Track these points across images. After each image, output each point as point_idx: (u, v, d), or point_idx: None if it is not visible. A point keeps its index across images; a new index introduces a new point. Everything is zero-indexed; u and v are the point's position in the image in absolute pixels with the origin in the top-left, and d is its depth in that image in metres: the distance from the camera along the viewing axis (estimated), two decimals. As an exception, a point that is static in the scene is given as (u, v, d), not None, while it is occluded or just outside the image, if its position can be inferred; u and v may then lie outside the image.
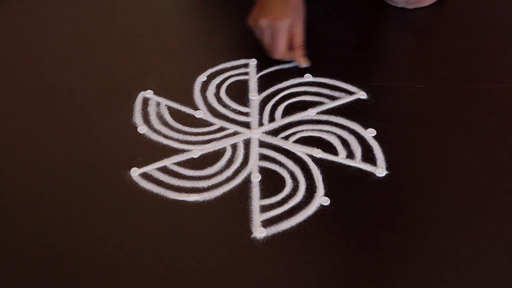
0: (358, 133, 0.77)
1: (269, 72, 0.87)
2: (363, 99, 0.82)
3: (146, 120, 0.81)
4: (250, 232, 0.67)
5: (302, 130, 0.78)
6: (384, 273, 0.63)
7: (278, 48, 0.85)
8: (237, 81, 0.86)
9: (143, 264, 0.64)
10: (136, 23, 0.99)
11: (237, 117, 0.81)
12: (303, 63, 0.86)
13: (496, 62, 0.88)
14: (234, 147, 0.77)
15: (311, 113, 0.81)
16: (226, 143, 0.77)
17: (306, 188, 0.71)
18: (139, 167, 0.74)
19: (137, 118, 0.81)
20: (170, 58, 0.92)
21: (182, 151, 0.76)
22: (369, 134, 0.77)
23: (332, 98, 0.83)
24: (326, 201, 0.69)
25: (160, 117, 0.81)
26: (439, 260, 0.63)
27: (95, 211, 0.70)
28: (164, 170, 0.74)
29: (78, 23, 1.00)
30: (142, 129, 0.79)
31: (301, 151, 0.76)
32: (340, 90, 0.84)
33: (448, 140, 0.76)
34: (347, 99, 0.82)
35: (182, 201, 0.71)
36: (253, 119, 0.81)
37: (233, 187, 0.72)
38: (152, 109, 0.82)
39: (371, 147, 0.75)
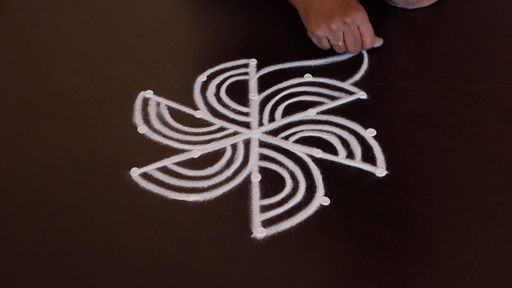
0: (358, 133, 0.77)
1: (269, 72, 0.87)
2: (363, 99, 0.82)
3: (146, 120, 0.81)
4: (250, 232, 0.67)
5: (302, 130, 0.78)
6: (384, 273, 0.63)
7: (372, 33, 0.85)
8: (237, 81, 0.86)
9: (143, 264, 0.64)
10: (136, 23, 0.99)
11: (237, 117, 0.81)
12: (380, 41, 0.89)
13: (496, 62, 0.88)
14: (234, 147, 0.77)
15: (311, 113, 0.81)
16: (226, 143, 0.77)
17: (306, 188, 0.71)
18: (139, 167, 0.74)
19: (137, 118, 0.81)
20: (170, 58, 0.92)
21: (182, 151, 0.76)
22: (369, 134, 0.77)
23: (332, 98, 0.83)
24: (326, 201, 0.69)
25: (160, 117, 0.81)
26: (439, 260, 0.63)
27: (95, 211, 0.70)
28: (164, 170, 0.74)
29: (78, 23, 1.00)
30: (142, 129, 0.79)
31: (301, 151, 0.76)
32: (340, 90, 0.84)
33: (448, 140, 0.76)
34: (347, 99, 0.82)
35: (182, 201, 0.71)
36: (253, 119, 0.81)
37: (233, 187, 0.72)
38: (152, 109, 0.82)
39: (371, 147, 0.75)
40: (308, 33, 0.86)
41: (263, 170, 0.74)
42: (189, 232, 0.67)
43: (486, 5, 1.00)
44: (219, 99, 0.84)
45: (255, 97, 0.84)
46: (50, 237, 0.67)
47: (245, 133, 0.79)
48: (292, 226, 0.67)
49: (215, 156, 0.76)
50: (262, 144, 0.77)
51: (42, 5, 1.05)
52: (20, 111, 0.83)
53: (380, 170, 0.72)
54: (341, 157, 0.74)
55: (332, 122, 0.79)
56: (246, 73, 0.88)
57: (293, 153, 0.75)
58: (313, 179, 0.72)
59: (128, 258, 0.65)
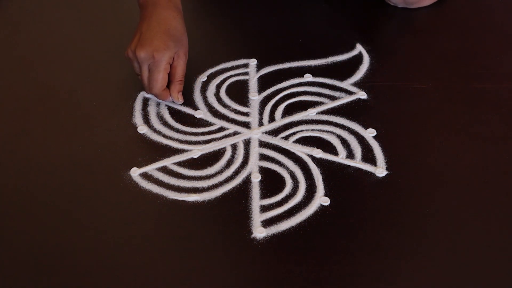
0: (358, 133, 0.77)
1: (269, 72, 0.87)
2: (363, 99, 0.82)
3: (146, 120, 0.81)
4: (250, 232, 0.67)
5: (302, 130, 0.78)
6: (384, 273, 0.63)
7: (155, 82, 0.79)
8: (237, 81, 0.87)
9: (143, 264, 0.64)
10: (136, 23, 0.99)
11: (237, 117, 0.81)
12: (179, 99, 0.81)
13: (496, 62, 0.88)
14: (234, 147, 0.77)
15: (311, 113, 0.81)
16: (226, 143, 0.77)
17: (306, 188, 0.71)
18: (139, 167, 0.74)
19: (137, 118, 0.81)
20: (170, 58, 0.92)
21: (182, 151, 0.76)
22: (369, 134, 0.77)
23: (332, 98, 0.83)
24: (326, 201, 0.69)
25: (160, 117, 0.81)
26: (439, 260, 0.63)
27: (95, 211, 0.70)
28: (164, 170, 0.74)
29: (78, 23, 1.00)
30: (142, 129, 0.79)
31: (301, 151, 0.76)
32: (340, 90, 0.84)
33: (448, 140, 0.76)
34: (347, 99, 0.82)
35: (182, 201, 0.71)
36: (253, 119, 0.81)
37: (233, 187, 0.72)
38: (152, 109, 0.82)
39: (371, 147, 0.75)
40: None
41: (263, 170, 0.74)
42: (189, 232, 0.67)
43: (486, 5, 1.00)
44: (219, 99, 0.84)
45: (255, 97, 0.84)
46: (50, 237, 0.67)
47: (245, 133, 0.79)
48: (292, 226, 0.67)
49: (215, 156, 0.76)
50: (262, 144, 0.77)
51: (42, 5, 1.05)
52: (20, 111, 0.83)
53: (380, 170, 0.72)
54: (341, 157, 0.74)
55: (332, 122, 0.79)
56: (246, 73, 0.88)
57: (293, 153, 0.75)
58: (313, 179, 0.72)
59: (128, 258, 0.65)
